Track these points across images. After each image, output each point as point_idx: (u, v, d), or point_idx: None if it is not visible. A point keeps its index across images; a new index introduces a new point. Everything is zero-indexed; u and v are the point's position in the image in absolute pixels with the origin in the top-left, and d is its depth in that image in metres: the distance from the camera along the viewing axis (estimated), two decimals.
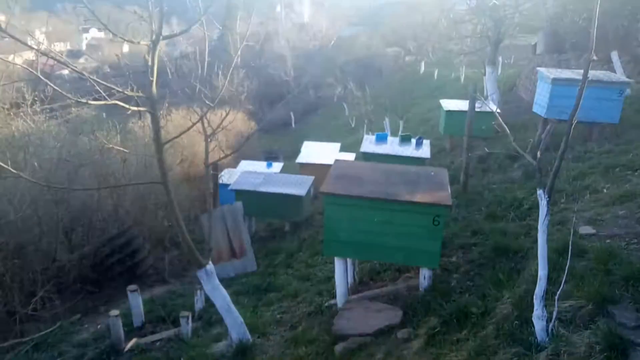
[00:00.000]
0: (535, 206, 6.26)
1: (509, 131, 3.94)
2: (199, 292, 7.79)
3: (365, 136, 12.62)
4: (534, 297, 3.48)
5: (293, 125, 37.49)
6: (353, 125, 27.53)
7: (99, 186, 9.03)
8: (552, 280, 3.79)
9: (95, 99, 4.34)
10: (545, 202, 3.31)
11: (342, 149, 16.24)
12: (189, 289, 9.18)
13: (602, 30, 10.68)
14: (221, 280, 5.79)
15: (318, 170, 12.49)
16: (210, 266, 5.43)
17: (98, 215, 11.45)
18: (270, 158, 19.78)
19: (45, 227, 9.85)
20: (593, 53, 3.17)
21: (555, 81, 9.10)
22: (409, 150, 11.14)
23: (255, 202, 11.08)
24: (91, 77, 4.19)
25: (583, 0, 13.69)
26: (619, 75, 10.53)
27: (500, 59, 21.49)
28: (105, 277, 10.05)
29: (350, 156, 13.52)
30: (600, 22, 3.34)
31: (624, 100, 9.17)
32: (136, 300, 7.61)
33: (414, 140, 11.61)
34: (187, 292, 8.95)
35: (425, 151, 11.14)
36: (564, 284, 3.52)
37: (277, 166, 14.42)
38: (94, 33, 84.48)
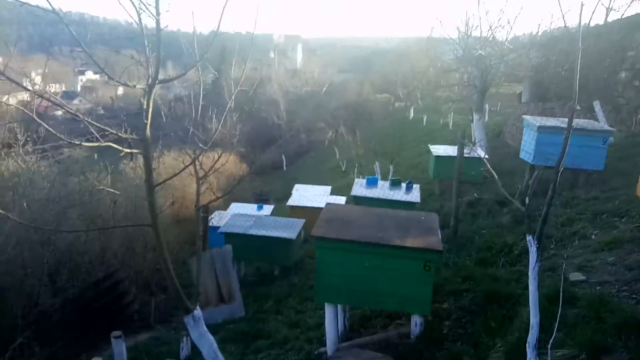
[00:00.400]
0: (525, 252, 6.28)
1: (497, 177, 4.01)
2: (185, 338, 7.56)
3: (356, 180, 12.71)
4: (527, 345, 3.44)
5: (284, 167, 37.73)
6: (344, 169, 27.76)
7: (87, 228, 8.90)
8: (545, 328, 3.75)
9: (88, 140, 4.38)
10: (535, 249, 3.33)
11: (333, 192, 16.31)
12: (174, 335, 8.90)
13: (584, 81, 11.10)
14: (208, 326, 5.64)
15: (309, 213, 12.48)
16: (197, 312, 5.30)
17: (85, 258, 11.23)
18: (261, 200, 19.77)
19: (30, 270, 9.62)
20: (576, 103, 3.29)
21: (541, 129, 9.34)
22: (400, 195, 11.21)
23: (245, 245, 10.97)
24: (85, 118, 4.24)
25: (564, 51, 14.30)
26: (602, 124, 10.85)
27: (487, 106, 22.09)
28: (89, 322, 9.73)
29: (341, 200, 13.57)
30: (582, 73, 3.49)
31: (607, 148, 9.40)
32: (120, 348, 7.33)
33: (404, 185, 11.71)
34: (173, 339, 8.67)
35: (415, 195, 11.22)
36: (556, 332, 3.48)
37: (267, 209, 14.38)
38: (90, 75, 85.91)
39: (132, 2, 3.92)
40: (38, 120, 4.09)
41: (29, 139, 15.31)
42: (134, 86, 4.35)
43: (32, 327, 8.65)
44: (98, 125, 3.98)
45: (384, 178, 16.02)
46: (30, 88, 4.88)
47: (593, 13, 12.55)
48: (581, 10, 3.11)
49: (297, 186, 16.59)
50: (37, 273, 9.82)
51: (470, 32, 14.44)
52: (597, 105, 11.99)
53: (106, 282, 10.14)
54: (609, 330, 3.82)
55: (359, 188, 11.67)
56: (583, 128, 9.18)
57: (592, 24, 12.91)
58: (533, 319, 3.38)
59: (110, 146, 4.14)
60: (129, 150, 4.25)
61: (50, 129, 3.51)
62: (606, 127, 10.01)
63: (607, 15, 12.78)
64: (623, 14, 13.16)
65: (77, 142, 3.63)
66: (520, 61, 14.76)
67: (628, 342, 3.65)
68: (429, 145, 14.59)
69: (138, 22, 4.12)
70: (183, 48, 5.00)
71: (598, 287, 4.77)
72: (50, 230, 8.35)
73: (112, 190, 5.58)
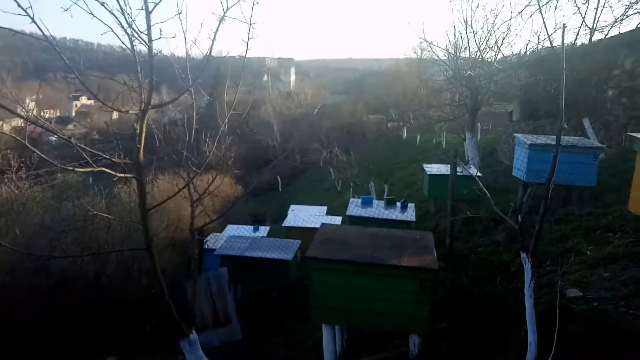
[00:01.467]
0: (521, 269, 6.28)
1: (489, 195, 4.05)
2: None
3: (351, 199, 12.72)
4: None
5: (280, 188, 37.73)
6: (339, 189, 27.81)
7: (82, 253, 8.81)
8: (542, 346, 3.74)
9: (81, 165, 4.39)
10: (529, 266, 3.35)
11: (329, 212, 16.29)
12: (171, 359, 8.75)
13: (572, 99, 11.28)
14: (205, 350, 5.57)
15: (305, 233, 12.43)
16: (193, 335, 5.24)
17: (79, 283, 11.08)
18: (257, 222, 19.69)
19: (24, 296, 9.48)
20: (564, 122, 3.36)
21: (533, 147, 9.44)
22: (395, 214, 11.21)
23: (241, 267, 10.88)
24: (78, 143, 4.25)
25: (552, 71, 14.56)
26: (592, 141, 10.99)
27: (479, 125, 22.36)
28: (84, 346, 9.55)
29: (337, 220, 13.54)
30: (570, 91, 3.58)
31: (599, 165, 9.50)
32: None
33: (399, 204, 11.72)
34: None
35: (410, 214, 11.23)
36: (555, 349, 3.48)
37: (263, 230, 14.32)
38: (84, 100, 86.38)
39: (125, 30, 3.99)
40: (29, 146, 4.10)
41: (22, 164, 15.27)
42: (127, 112, 4.39)
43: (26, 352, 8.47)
44: (90, 150, 3.99)
45: (379, 197, 16.05)
46: (22, 115, 4.90)
47: (578, 34, 12.81)
48: (563, 31, 3.20)
49: (292, 207, 16.57)
50: (33, 300, 9.67)
51: (459, 54, 14.71)
52: (586, 123, 12.16)
53: (101, 306, 9.99)
54: (608, 346, 3.81)
55: (354, 208, 11.67)
56: (574, 145, 9.29)
57: (578, 44, 13.20)
58: (530, 337, 3.39)
59: (105, 171, 4.15)
60: (122, 175, 4.26)
61: (42, 155, 3.51)
62: (596, 143, 10.14)
63: (591, 35, 13.07)
64: (607, 34, 13.45)
65: (70, 168, 3.63)
66: (509, 81, 15.00)
67: (627, 359, 3.64)
68: (423, 164, 14.69)
69: (131, 49, 4.18)
70: (176, 73, 5.07)
71: (595, 303, 4.77)
72: (43, 256, 8.26)
73: (104, 215, 5.55)
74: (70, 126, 75.30)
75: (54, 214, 11.66)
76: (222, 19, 4.79)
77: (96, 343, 9.62)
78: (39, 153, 3.37)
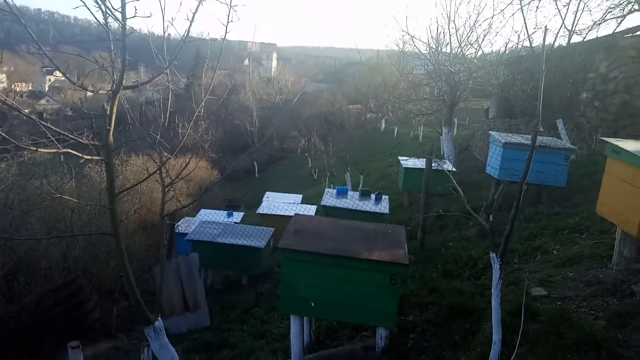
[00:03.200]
0: (489, 265, 6.37)
1: (462, 193, 4.07)
2: (145, 349, 7.30)
3: (326, 190, 12.72)
4: None
5: (256, 174, 37.50)
6: (315, 177, 27.81)
7: (47, 234, 8.53)
8: (507, 343, 3.80)
9: (47, 145, 4.20)
10: (498, 266, 3.38)
11: (304, 201, 16.26)
12: (136, 344, 8.63)
13: (548, 100, 11.47)
14: (172, 336, 5.49)
15: (279, 221, 12.38)
16: (159, 323, 5.14)
17: (44, 263, 10.78)
18: (231, 207, 19.53)
19: None
20: (540, 124, 3.39)
21: (507, 145, 9.58)
22: (369, 205, 11.27)
23: (213, 253, 10.78)
24: (43, 122, 4.07)
25: (530, 70, 14.77)
26: (565, 142, 11.23)
27: (455, 120, 22.61)
28: (46, 330, 9.31)
29: (311, 209, 13.52)
30: (546, 92, 3.61)
31: (569, 165, 9.72)
32: (77, 358, 7.06)
33: (373, 196, 11.79)
34: (134, 348, 8.40)
35: (384, 206, 11.30)
36: (518, 347, 3.54)
37: (237, 216, 14.20)
38: (58, 75, 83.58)
39: (98, 5, 3.81)
40: None
41: None
42: (97, 92, 4.22)
43: None
44: (56, 129, 3.82)
45: (355, 188, 16.10)
46: None
47: (557, 35, 12.98)
48: (545, 33, 3.21)
49: (268, 194, 16.47)
50: None
51: (441, 49, 14.75)
52: (559, 124, 12.40)
53: (66, 288, 9.74)
54: (568, 346, 3.91)
55: (329, 198, 11.68)
56: (546, 145, 9.47)
57: (555, 46, 13.39)
58: (495, 336, 3.43)
59: (70, 152, 3.99)
60: (89, 157, 4.11)
61: (3, 134, 3.34)
62: (568, 145, 10.35)
63: (570, 37, 13.27)
64: (584, 37, 13.69)
65: (33, 148, 3.47)
66: (488, 78, 15.15)
67: (586, 359, 3.74)
68: (399, 157, 14.77)
69: (104, 26, 4.01)
70: (153, 53, 4.89)
71: (559, 303, 4.88)
72: (4, 238, 7.96)
73: (68, 198, 5.35)
74: (43, 101, 72.89)
75: (20, 192, 11.26)
76: (201, 0, 4.64)
77: (60, 326, 9.40)
78: (0, 132, 3.20)
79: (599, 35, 13.66)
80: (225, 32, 4.87)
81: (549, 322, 4.31)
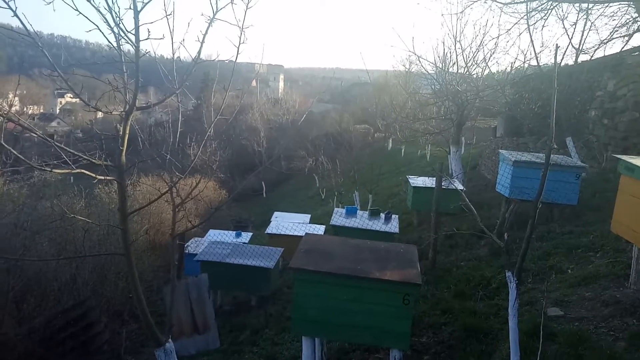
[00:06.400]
0: (503, 285, 6.29)
1: (475, 212, 4.03)
2: None
3: (336, 209, 12.68)
4: None
5: (264, 194, 37.53)
6: (323, 197, 27.77)
7: (57, 255, 8.54)
8: None
9: (60, 165, 4.24)
10: (514, 285, 3.33)
11: (313, 220, 16.21)
12: None
13: (556, 118, 11.43)
14: (181, 358, 5.42)
15: (288, 241, 12.33)
16: (169, 344, 5.09)
17: (53, 285, 10.77)
18: (239, 227, 19.50)
19: None
20: (553, 141, 3.37)
21: (517, 163, 9.52)
22: (379, 225, 11.19)
23: (222, 273, 10.71)
24: (59, 141, 4.12)
25: (537, 89, 14.79)
26: (575, 160, 11.15)
27: (463, 139, 22.58)
28: (55, 353, 9.25)
29: (320, 229, 13.47)
30: (555, 110, 3.60)
31: (580, 184, 9.63)
32: None
33: (383, 215, 11.72)
34: None
35: (394, 226, 11.22)
36: None
37: (246, 236, 14.17)
38: (69, 98, 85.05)
39: (111, 28, 3.88)
40: (4, 145, 3.94)
41: None
42: (110, 112, 4.27)
43: None
44: (70, 150, 3.85)
45: (363, 207, 16.03)
46: (2, 114, 4.74)
47: (564, 54, 13.04)
48: (556, 52, 3.22)
49: (276, 214, 16.45)
50: (2, 301, 9.35)
51: (448, 68, 14.84)
52: (569, 142, 12.34)
53: (75, 310, 9.70)
54: None
55: (339, 218, 11.62)
56: (557, 163, 9.39)
57: (563, 64, 13.42)
58: (514, 357, 3.36)
59: (83, 173, 4.02)
60: (102, 177, 4.13)
61: (17, 154, 3.37)
62: (579, 162, 10.27)
63: (577, 56, 13.32)
64: (592, 56, 13.74)
65: (47, 169, 3.50)
66: (495, 97, 15.17)
67: None
68: (407, 176, 14.72)
69: (117, 49, 4.08)
70: (162, 75, 4.96)
71: (576, 323, 4.78)
72: (14, 259, 7.98)
73: (80, 217, 5.37)
74: (54, 123, 74.11)
75: (30, 212, 11.33)
76: (211, 21, 4.72)
77: (69, 348, 9.34)
78: (14, 152, 3.23)
79: (606, 54, 13.71)
80: (237, 54, 4.94)
81: (567, 343, 4.21)
